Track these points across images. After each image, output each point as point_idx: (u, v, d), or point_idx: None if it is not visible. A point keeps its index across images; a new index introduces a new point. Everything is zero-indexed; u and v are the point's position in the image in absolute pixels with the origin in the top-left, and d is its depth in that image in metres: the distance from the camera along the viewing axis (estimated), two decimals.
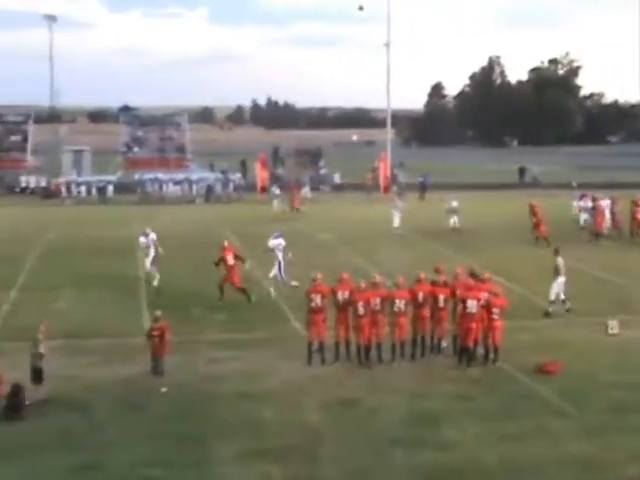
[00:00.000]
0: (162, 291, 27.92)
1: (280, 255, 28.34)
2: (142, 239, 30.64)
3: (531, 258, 34.07)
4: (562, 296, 25.39)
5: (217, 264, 27.33)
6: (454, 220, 43.14)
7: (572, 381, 19.13)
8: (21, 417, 16.94)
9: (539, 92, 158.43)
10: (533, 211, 40.67)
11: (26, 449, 15.53)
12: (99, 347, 22.13)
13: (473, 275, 21.90)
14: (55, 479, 14.43)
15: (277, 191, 55.37)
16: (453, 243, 38.86)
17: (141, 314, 25.15)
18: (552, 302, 25.20)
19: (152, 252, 29.93)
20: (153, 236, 30.43)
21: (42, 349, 18.14)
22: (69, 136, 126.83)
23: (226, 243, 28.25)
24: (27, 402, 17.24)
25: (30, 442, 15.86)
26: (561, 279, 25.29)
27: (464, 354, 20.19)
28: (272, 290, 27.67)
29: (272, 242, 28.77)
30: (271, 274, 28.28)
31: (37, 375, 17.93)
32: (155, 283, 28.97)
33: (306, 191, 61.13)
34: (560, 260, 25.51)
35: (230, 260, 27.22)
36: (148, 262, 29.85)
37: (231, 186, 64.45)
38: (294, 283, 27.89)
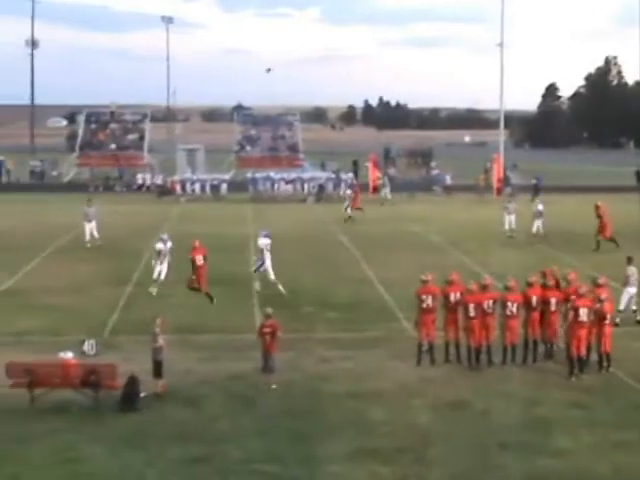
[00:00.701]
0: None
1: (267, 254, 28.10)
2: (159, 245, 29.06)
3: None
4: (633, 307, 24.54)
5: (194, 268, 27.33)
6: (538, 225, 42.02)
7: None
8: (136, 409, 17.35)
9: None
10: (598, 212, 38.41)
11: (140, 440, 15.91)
12: (211, 343, 22.54)
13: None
14: (168, 470, 14.74)
15: (349, 191, 55.09)
16: (563, 246, 38.09)
17: (253, 311, 25.47)
18: (620, 312, 23.98)
19: (166, 262, 28.79)
20: (170, 244, 29.34)
21: (160, 342, 18.51)
22: (183, 135, 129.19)
23: (197, 243, 28.02)
24: (142, 394, 17.66)
25: (144, 433, 16.25)
26: (632, 289, 24.42)
27: (576, 362, 19.79)
28: (257, 286, 27.91)
29: (261, 241, 28.47)
30: (272, 276, 28.07)
31: (158, 368, 18.32)
32: (153, 286, 28.39)
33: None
34: (632, 269, 24.72)
35: (199, 260, 27.24)
36: (163, 270, 28.64)
37: (343, 186, 64.53)
38: (280, 288, 27.88)
